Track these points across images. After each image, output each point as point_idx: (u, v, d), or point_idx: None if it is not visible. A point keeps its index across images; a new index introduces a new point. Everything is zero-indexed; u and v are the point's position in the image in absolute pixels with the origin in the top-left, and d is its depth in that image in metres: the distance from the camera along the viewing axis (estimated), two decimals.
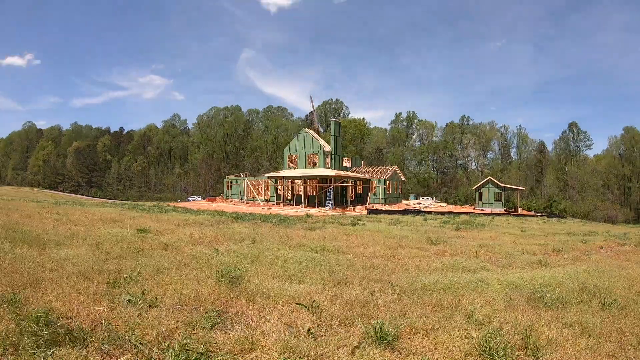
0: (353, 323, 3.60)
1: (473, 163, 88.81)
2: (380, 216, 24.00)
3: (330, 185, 36.93)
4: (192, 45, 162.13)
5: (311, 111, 77.69)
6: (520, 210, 40.19)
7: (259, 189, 47.42)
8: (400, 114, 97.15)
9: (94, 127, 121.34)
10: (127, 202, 47.29)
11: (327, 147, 42.10)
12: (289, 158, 44.75)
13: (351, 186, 44.19)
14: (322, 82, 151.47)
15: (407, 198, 58.05)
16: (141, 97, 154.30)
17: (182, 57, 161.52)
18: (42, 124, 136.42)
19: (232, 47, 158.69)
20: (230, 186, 52.07)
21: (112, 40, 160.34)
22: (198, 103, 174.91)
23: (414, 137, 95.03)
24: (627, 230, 19.41)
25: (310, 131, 44.79)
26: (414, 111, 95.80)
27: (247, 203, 45.17)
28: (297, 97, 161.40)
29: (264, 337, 3.14)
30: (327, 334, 3.34)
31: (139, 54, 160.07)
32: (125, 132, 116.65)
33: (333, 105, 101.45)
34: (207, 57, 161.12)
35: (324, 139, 49.66)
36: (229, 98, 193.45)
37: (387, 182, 43.30)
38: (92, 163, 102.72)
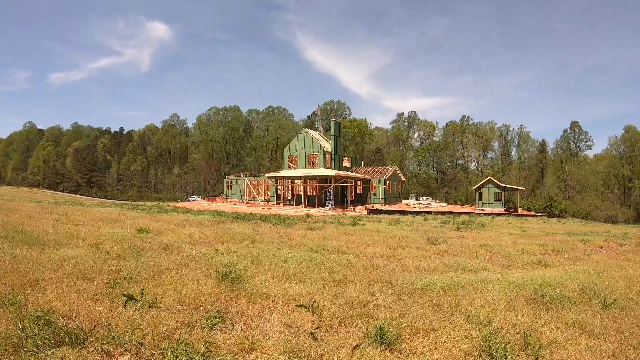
0: (353, 323, 3.60)
1: (473, 163, 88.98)
2: (381, 216, 23.98)
3: (330, 186, 36.92)
4: None
5: (313, 112, 77.88)
6: (521, 210, 40.13)
7: (259, 189, 47.39)
8: (402, 113, 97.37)
9: (94, 127, 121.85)
10: (126, 202, 47.25)
11: (328, 147, 42.08)
12: (289, 158, 44.74)
13: (351, 186, 44.16)
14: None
15: (407, 198, 58.08)
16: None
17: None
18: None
19: None
20: (230, 186, 52.05)
21: None
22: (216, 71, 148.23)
23: (415, 137, 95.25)
24: (627, 230, 19.38)
25: (311, 131, 44.81)
26: (414, 111, 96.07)
27: (247, 203, 45.15)
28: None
29: (264, 337, 3.14)
30: (327, 334, 3.34)
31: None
32: (125, 132, 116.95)
33: (335, 106, 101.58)
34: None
35: (324, 139, 49.66)
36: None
37: (387, 182, 43.27)
38: (92, 163, 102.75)
